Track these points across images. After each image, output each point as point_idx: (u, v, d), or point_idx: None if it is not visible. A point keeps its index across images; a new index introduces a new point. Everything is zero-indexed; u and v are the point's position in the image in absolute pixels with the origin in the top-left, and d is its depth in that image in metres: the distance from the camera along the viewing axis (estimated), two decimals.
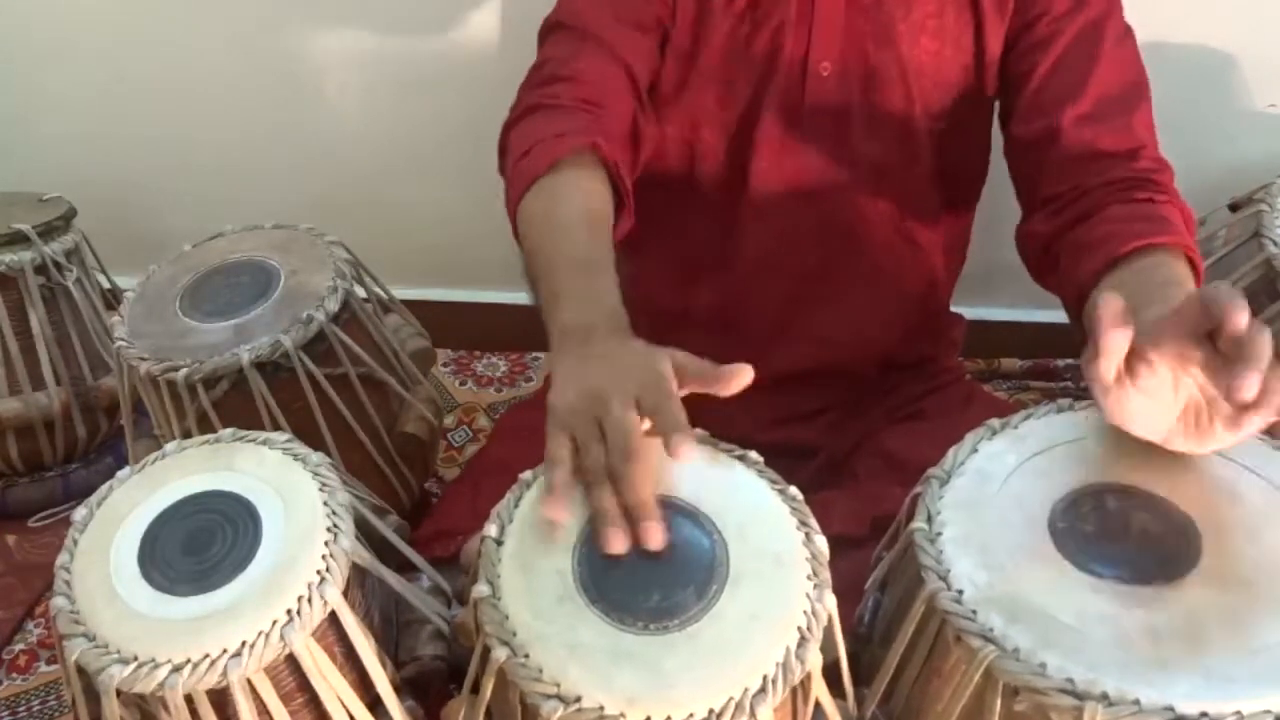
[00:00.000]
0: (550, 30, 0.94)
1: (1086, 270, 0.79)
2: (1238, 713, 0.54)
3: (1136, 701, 0.55)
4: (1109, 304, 0.60)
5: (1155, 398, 0.62)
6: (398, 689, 0.71)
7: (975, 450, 0.69)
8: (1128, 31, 0.90)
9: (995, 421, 0.71)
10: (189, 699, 0.63)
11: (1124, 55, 0.89)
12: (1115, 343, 0.59)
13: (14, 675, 1.14)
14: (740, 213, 0.98)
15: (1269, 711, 0.54)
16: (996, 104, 0.96)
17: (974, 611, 0.60)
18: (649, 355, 0.65)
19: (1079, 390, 1.47)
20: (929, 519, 0.65)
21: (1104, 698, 0.55)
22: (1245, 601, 0.58)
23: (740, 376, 0.63)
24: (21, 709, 1.11)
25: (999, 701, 0.58)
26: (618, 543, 0.59)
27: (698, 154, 0.98)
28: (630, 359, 0.66)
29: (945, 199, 1.01)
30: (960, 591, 0.61)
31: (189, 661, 0.62)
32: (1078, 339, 0.78)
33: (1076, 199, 0.85)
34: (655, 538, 0.59)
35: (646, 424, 0.62)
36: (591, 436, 0.62)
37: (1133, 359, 0.61)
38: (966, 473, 0.68)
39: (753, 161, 0.96)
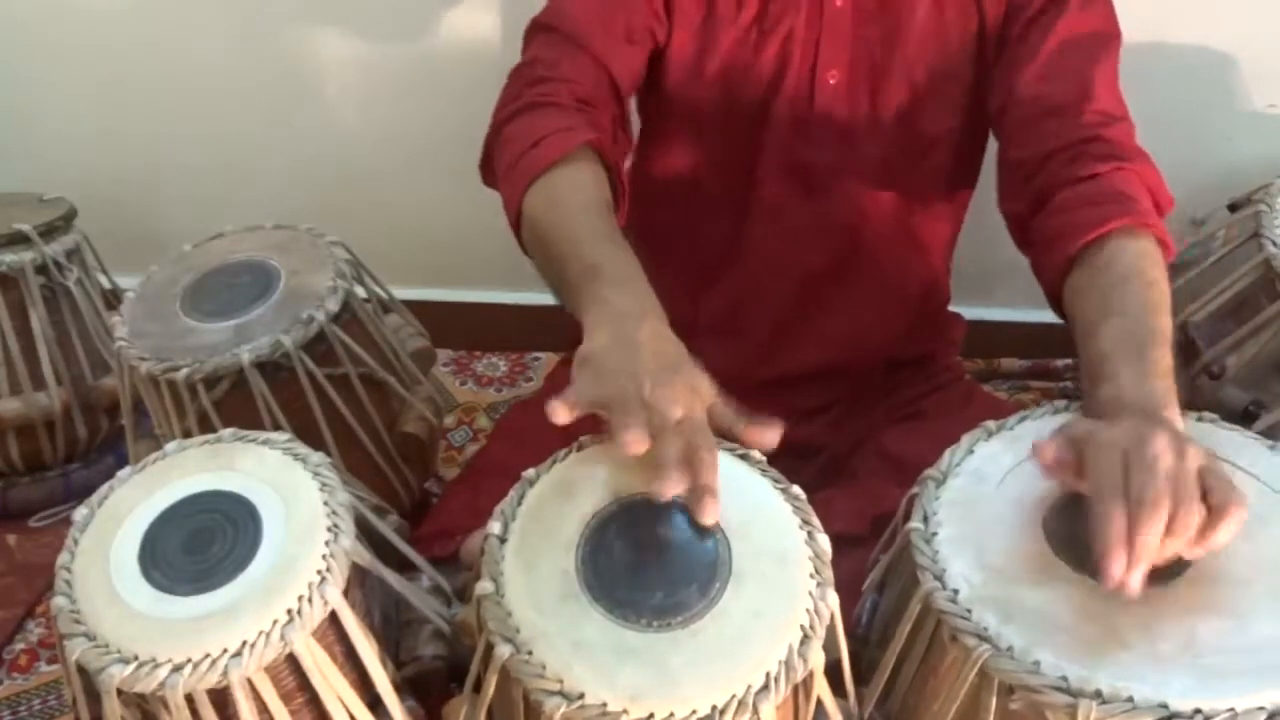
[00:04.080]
0: (538, 31, 0.93)
1: (1048, 277, 0.81)
2: (1231, 709, 0.54)
3: (1130, 699, 0.55)
4: (1046, 462, 0.64)
5: None
6: (398, 688, 0.71)
7: (971, 451, 0.70)
8: None
9: (991, 423, 0.71)
10: (189, 698, 0.63)
11: (1089, 13, 0.88)
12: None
13: (15, 675, 1.14)
14: (747, 217, 0.99)
15: (1262, 708, 0.54)
16: None
17: (969, 611, 0.60)
18: (693, 366, 0.66)
19: (1078, 390, 1.47)
20: (925, 519, 0.65)
21: (1098, 695, 0.55)
22: (1239, 600, 0.59)
23: (764, 437, 0.64)
24: (22, 708, 1.11)
25: (994, 700, 0.59)
26: (674, 486, 0.60)
27: (704, 161, 0.98)
28: (678, 358, 0.67)
29: (949, 192, 1.01)
30: (955, 591, 0.61)
31: (189, 661, 0.62)
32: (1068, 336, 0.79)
33: (1030, 177, 0.85)
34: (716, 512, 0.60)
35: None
36: (633, 400, 0.62)
37: None
38: (962, 473, 0.68)
39: (759, 167, 0.96)
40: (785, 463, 0.68)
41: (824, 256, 1.00)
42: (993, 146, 0.96)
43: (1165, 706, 0.54)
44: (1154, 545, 0.57)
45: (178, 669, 0.62)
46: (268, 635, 0.63)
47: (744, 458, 0.67)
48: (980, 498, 0.66)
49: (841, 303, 1.02)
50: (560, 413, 0.62)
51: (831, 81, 0.92)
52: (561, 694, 0.55)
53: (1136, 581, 0.57)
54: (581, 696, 0.55)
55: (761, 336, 1.03)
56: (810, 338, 1.03)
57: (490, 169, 0.90)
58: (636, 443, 0.60)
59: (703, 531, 0.62)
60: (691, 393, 0.64)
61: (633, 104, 0.98)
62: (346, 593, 0.67)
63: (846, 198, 0.97)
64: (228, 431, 0.76)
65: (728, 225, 1.00)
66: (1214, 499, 0.59)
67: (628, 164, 0.94)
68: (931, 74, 0.92)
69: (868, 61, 0.92)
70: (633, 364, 0.64)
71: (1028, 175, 0.86)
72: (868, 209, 0.98)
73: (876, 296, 1.02)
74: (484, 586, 0.60)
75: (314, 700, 0.67)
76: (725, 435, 0.65)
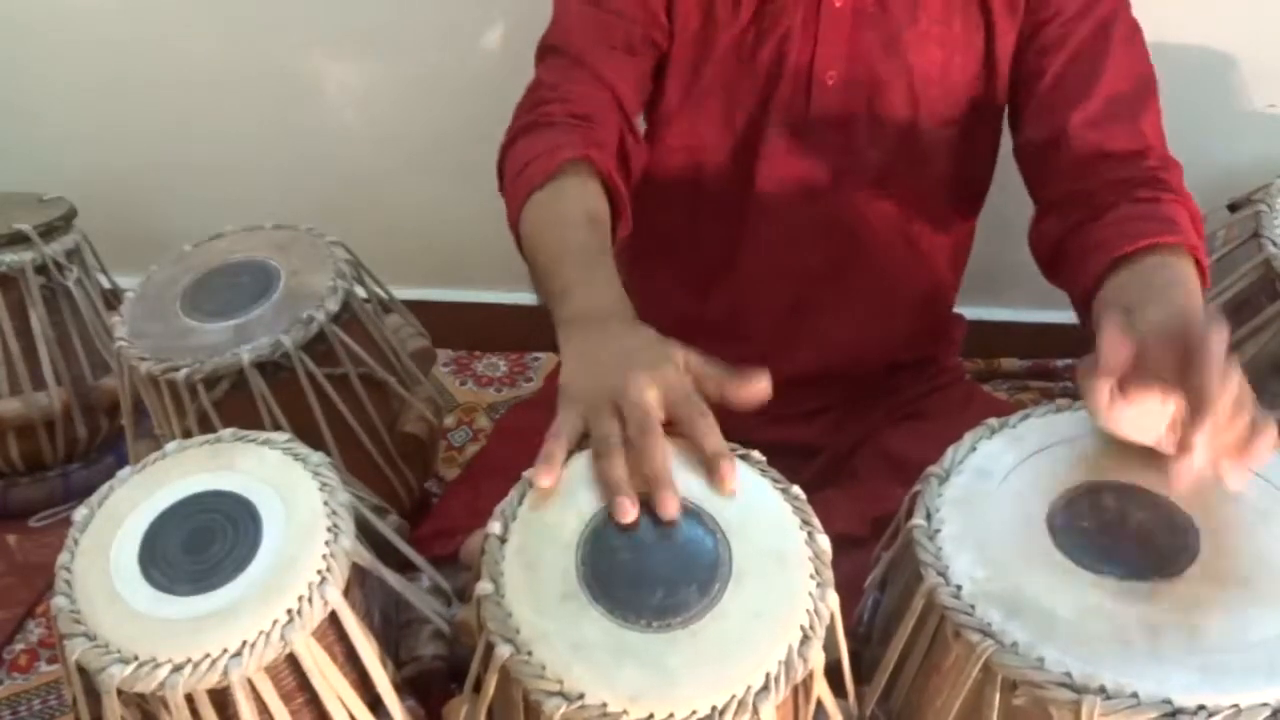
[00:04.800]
0: (545, 53, 0.95)
1: (1091, 270, 0.80)
2: (1235, 705, 0.54)
3: (1134, 695, 0.55)
4: (1110, 326, 0.63)
5: (1146, 409, 0.63)
6: (398, 689, 0.71)
7: (974, 449, 0.70)
8: (1136, 29, 0.90)
9: (994, 421, 0.71)
10: (189, 698, 0.63)
11: (1132, 54, 0.89)
12: (1114, 363, 0.62)
13: (15, 675, 1.14)
14: (746, 219, 0.99)
15: (1266, 704, 0.54)
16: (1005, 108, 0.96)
17: (972, 606, 0.60)
18: (662, 344, 0.67)
19: (1079, 391, 1.47)
20: (928, 516, 0.65)
21: (1101, 691, 0.55)
22: (1242, 597, 0.59)
23: (755, 389, 0.64)
24: (22, 708, 1.11)
25: (998, 696, 0.59)
26: (628, 511, 0.60)
27: (703, 163, 0.98)
28: (643, 345, 0.67)
29: (951, 204, 1.01)
30: (959, 587, 0.61)
31: (189, 661, 0.62)
32: (1085, 336, 0.79)
33: (1085, 200, 0.85)
34: (671, 506, 0.60)
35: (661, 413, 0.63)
36: (604, 412, 0.63)
37: (1125, 375, 0.62)
38: (965, 471, 0.68)
39: (758, 169, 0.96)
40: (785, 463, 0.67)
41: (823, 260, 1.00)
42: (1002, 157, 0.97)
43: (1169, 702, 0.54)
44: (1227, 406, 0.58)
45: (178, 669, 0.62)
46: (268, 635, 0.63)
47: (744, 458, 0.67)
48: (983, 495, 0.66)
49: (841, 307, 1.02)
50: (546, 478, 0.62)
51: (829, 82, 0.92)
52: (561, 694, 0.55)
53: (1201, 456, 0.58)
54: (581, 697, 0.55)
55: (762, 339, 1.03)
56: (810, 341, 1.03)
57: (501, 192, 0.92)
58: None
59: (701, 530, 0.62)
60: (664, 388, 0.64)
61: None
62: (346, 593, 0.67)
63: (846, 201, 0.97)
64: (228, 431, 0.76)
65: (727, 227, 1.00)
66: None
67: (639, 171, 0.95)
68: (932, 83, 0.92)
69: (866, 65, 0.92)
70: (594, 384, 0.65)
71: (1080, 201, 0.86)
72: (867, 214, 0.98)
73: (876, 301, 1.02)
74: (484, 586, 0.60)
75: (314, 700, 0.67)
76: (716, 398, 0.65)
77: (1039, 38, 0.90)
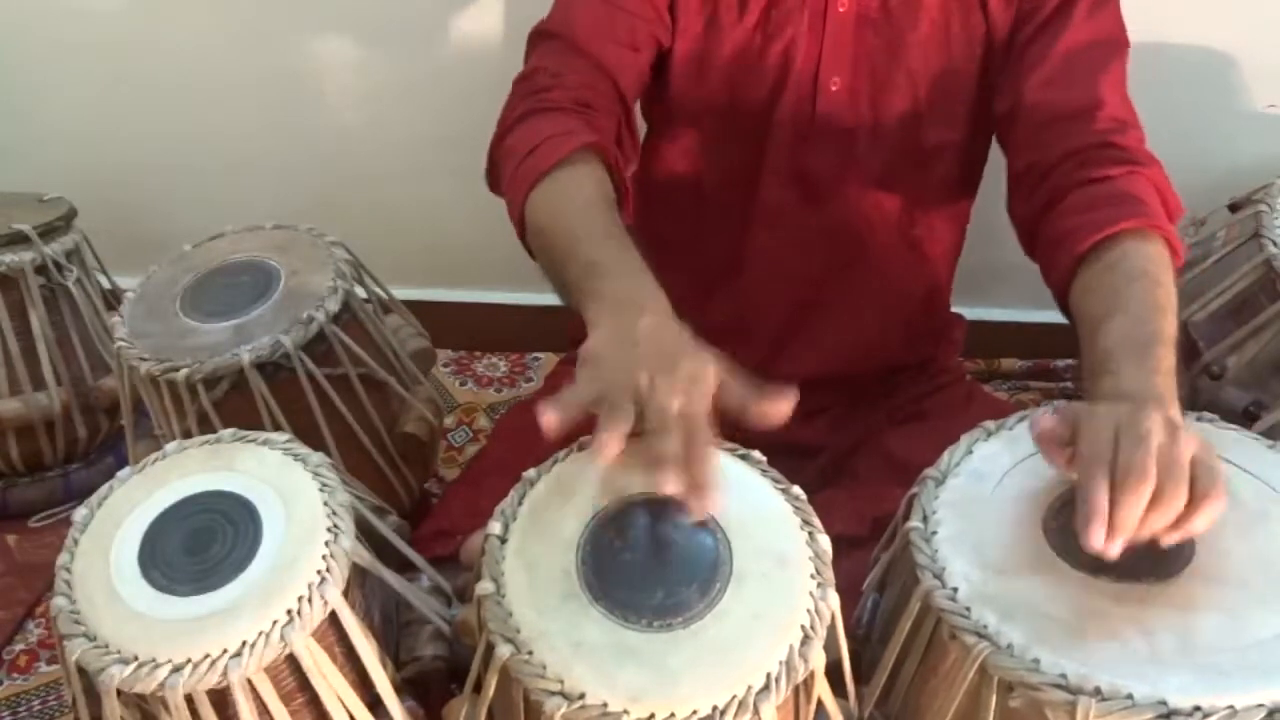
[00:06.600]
0: (541, 38, 0.94)
1: (1059, 270, 0.81)
2: (1230, 706, 0.55)
3: (1130, 696, 0.55)
4: (1040, 430, 0.64)
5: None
6: (398, 689, 0.71)
7: (970, 452, 0.70)
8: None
9: (990, 423, 0.72)
10: (189, 699, 0.63)
11: (1097, 20, 0.88)
12: (1059, 455, 0.64)
13: (14, 675, 1.14)
14: (749, 221, 0.99)
15: (1262, 705, 0.55)
16: None
17: (968, 609, 0.60)
18: (699, 354, 0.65)
19: (1078, 391, 1.47)
20: (924, 518, 0.65)
21: (1097, 692, 0.55)
22: (1237, 598, 0.59)
23: (776, 410, 0.64)
24: (22, 709, 1.11)
25: (994, 698, 0.59)
26: (673, 483, 0.59)
27: (707, 167, 0.99)
28: (682, 351, 0.65)
29: (952, 204, 1.01)
30: (955, 589, 0.61)
31: (189, 661, 0.62)
32: (1073, 335, 0.79)
33: (1042, 179, 0.85)
34: (716, 504, 0.60)
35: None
36: (624, 401, 0.61)
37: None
38: (962, 473, 0.68)
39: (761, 172, 0.96)
40: (786, 463, 0.68)
41: (826, 264, 1.00)
42: (996, 154, 0.96)
43: (1164, 704, 0.55)
44: (1135, 516, 0.58)
45: (178, 669, 0.62)
46: (267, 635, 0.63)
47: (744, 458, 0.67)
48: (979, 497, 0.66)
49: (844, 309, 1.02)
50: (552, 419, 0.61)
51: (833, 88, 0.92)
52: (562, 694, 0.55)
53: (1116, 551, 0.58)
54: (582, 697, 0.55)
55: (764, 341, 1.03)
56: (812, 344, 1.03)
57: (495, 178, 0.90)
58: (608, 447, 0.60)
59: (702, 530, 0.62)
60: (692, 383, 0.63)
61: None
62: (346, 593, 0.67)
63: (849, 205, 0.97)
64: (228, 431, 0.76)
65: (731, 231, 1.00)
66: (1197, 486, 0.59)
67: (632, 169, 0.94)
68: (934, 86, 0.92)
69: (870, 69, 0.92)
70: (630, 359, 0.63)
71: (1038, 179, 0.86)
72: (870, 217, 0.98)
73: (878, 304, 1.02)
74: (484, 586, 0.60)
75: (314, 700, 0.67)
76: (738, 413, 0.64)
77: (1016, 20, 0.90)
